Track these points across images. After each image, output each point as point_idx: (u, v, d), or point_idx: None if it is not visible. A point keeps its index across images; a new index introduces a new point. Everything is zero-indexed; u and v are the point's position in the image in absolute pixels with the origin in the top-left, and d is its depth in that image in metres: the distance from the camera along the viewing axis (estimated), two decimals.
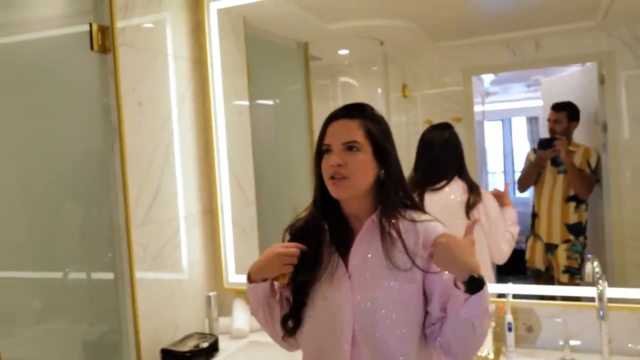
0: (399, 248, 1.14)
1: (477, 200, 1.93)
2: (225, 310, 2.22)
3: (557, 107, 2.08)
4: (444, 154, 2.00)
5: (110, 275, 1.87)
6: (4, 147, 1.61)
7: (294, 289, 1.21)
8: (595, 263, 1.62)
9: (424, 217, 1.19)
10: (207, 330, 2.07)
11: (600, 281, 1.56)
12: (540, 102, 2.25)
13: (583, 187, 2.01)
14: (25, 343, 1.67)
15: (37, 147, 1.71)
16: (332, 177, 1.15)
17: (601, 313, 1.54)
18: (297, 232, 1.24)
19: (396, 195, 1.19)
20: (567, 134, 2.05)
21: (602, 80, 2.06)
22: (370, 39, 2.46)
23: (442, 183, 1.96)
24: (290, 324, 1.21)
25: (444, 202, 1.95)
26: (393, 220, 1.16)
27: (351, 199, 1.18)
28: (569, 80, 2.20)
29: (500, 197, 2.00)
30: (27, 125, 1.68)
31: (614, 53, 1.99)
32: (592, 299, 1.63)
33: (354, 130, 1.15)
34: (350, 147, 1.14)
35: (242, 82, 2.35)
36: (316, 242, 1.20)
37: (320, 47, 2.61)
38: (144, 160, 1.94)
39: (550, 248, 2.06)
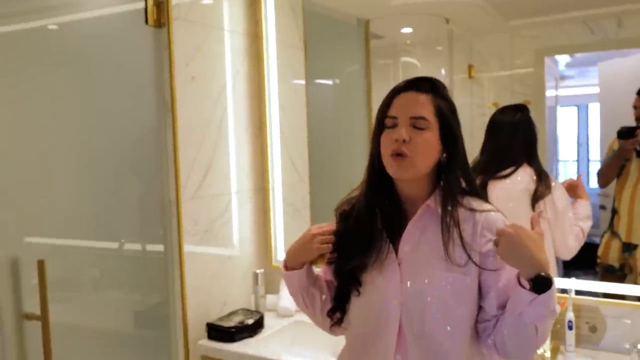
0: (456, 239, 1.06)
1: (546, 192, 1.78)
2: (273, 288, 2.22)
3: None
4: (513, 138, 1.84)
5: (160, 248, 1.91)
6: (65, 123, 1.66)
7: (341, 276, 1.14)
8: None
9: (484, 206, 1.09)
10: (253, 307, 2.08)
11: None
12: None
13: None
14: (80, 309, 1.74)
15: (95, 123, 1.76)
16: (394, 154, 1.06)
17: None
18: (347, 214, 1.17)
19: (458, 181, 1.10)
20: None
21: None
22: (436, 16, 2.34)
23: (510, 170, 1.82)
24: (338, 315, 1.15)
25: (510, 190, 1.82)
26: (452, 208, 1.07)
27: (409, 180, 1.10)
28: (633, 64, 1.99)
29: (574, 188, 1.83)
30: (85, 102, 1.73)
31: None
32: None
33: (424, 105, 1.06)
34: (417, 123, 1.05)
35: (299, 60, 2.31)
36: (368, 225, 1.12)
37: (382, 24, 2.52)
38: (196, 135, 1.95)
39: (629, 248, 1.88)
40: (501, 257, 0.98)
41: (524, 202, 1.80)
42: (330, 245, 1.13)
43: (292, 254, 1.18)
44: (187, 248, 1.90)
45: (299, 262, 1.16)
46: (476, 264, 1.04)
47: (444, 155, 1.09)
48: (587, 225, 1.81)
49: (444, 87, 1.10)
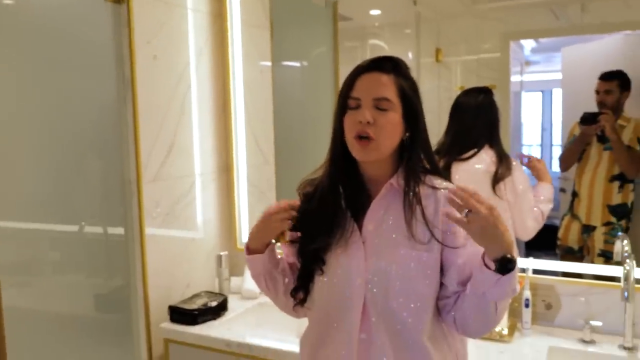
0: (418, 216, 1.06)
1: (506, 174, 1.80)
2: (237, 270, 2.20)
3: (608, 77, 1.89)
4: (476, 120, 1.84)
5: (121, 230, 1.87)
6: (21, 101, 1.60)
7: (305, 255, 1.13)
8: (625, 241, 1.51)
9: (445, 184, 1.10)
10: (217, 290, 2.06)
11: (627, 260, 1.45)
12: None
13: (631, 166, 1.84)
14: (40, 293, 1.69)
15: (52, 101, 1.69)
16: (359, 137, 1.05)
17: (626, 294, 1.43)
18: (310, 194, 1.16)
19: (420, 160, 1.10)
20: (619, 106, 1.88)
21: None
22: None
23: (472, 152, 1.83)
24: (301, 294, 1.14)
25: (472, 172, 1.83)
26: (415, 187, 1.07)
27: (373, 161, 1.09)
28: (595, 49, 2.03)
29: (537, 171, 1.86)
30: (41, 79, 1.66)
31: None
32: (619, 279, 1.53)
33: (387, 86, 1.05)
34: (380, 104, 1.05)
35: (265, 41, 2.27)
36: (331, 204, 1.11)
37: (350, 6, 2.49)
38: (158, 114, 1.91)
39: (588, 230, 1.92)
40: (472, 237, 0.97)
41: (486, 183, 1.82)
42: (290, 221, 1.11)
43: (253, 235, 1.16)
44: (148, 230, 1.87)
45: (262, 243, 1.15)
46: (439, 241, 1.05)
47: (407, 134, 1.08)
48: (547, 207, 1.84)
49: (406, 66, 1.10)
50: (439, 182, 1.10)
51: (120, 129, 1.82)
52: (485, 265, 0.97)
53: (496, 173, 1.79)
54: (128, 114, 1.80)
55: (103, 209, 1.89)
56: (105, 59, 1.80)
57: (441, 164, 1.83)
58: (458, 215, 0.96)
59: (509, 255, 0.94)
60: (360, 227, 1.09)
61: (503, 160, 1.81)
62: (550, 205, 1.87)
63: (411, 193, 1.07)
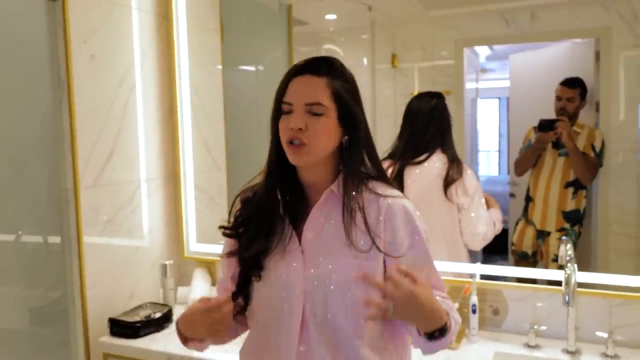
0: (359, 224, 1.02)
1: (457, 177, 1.81)
2: (185, 280, 2.13)
3: (570, 84, 1.90)
4: (428, 124, 1.85)
5: (58, 240, 1.78)
6: None
7: (243, 263, 1.09)
8: (569, 245, 1.51)
9: (389, 191, 1.06)
10: (162, 301, 1.99)
11: (569, 265, 1.46)
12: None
13: (586, 172, 1.87)
14: None
15: None
16: (291, 142, 1.01)
17: (567, 298, 1.43)
18: (247, 200, 1.11)
19: (361, 165, 1.06)
20: (576, 114, 1.90)
21: (597, 58, 1.93)
22: (359, 3, 2.32)
23: (424, 156, 1.84)
24: (241, 301, 1.09)
25: (424, 176, 1.84)
26: (355, 193, 1.03)
27: (310, 166, 1.05)
28: (543, 56, 2.07)
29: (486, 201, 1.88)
30: None
31: (611, 29, 1.86)
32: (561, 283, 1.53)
33: (320, 90, 1.00)
34: (313, 108, 1.00)
35: (215, 43, 2.22)
36: (268, 211, 1.06)
37: (305, 10, 2.46)
38: (97, 118, 1.82)
39: (542, 235, 1.94)
40: (398, 318, 0.97)
41: (437, 187, 1.82)
42: (222, 328, 1.01)
43: (184, 325, 1.07)
44: (87, 239, 1.78)
45: (195, 336, 1.06)
46: (379, 249, 1.02)
47: (346, 138, 1.04)
48: (498, 227, 1.87)
49: (342, 66, 1.05)
50: (382, 188, 1.06)
51: (56, 134, 1.73)
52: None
53: (447, 176, 1.80)
54: (64, 117, 1.71)
55: (40, 216, 1.80)
56: (39, 60, 1.71)
57: (395, 168, 1.83)
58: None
59: (436, 332, 0.96)
60: (299, 235, 1.05)
61: (455, 164, 1.82)
62: (501, 227, 1.89)
63: (350, 200, 1.03)
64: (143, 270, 2.03)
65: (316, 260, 1.03)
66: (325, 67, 1.03)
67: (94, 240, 1.81)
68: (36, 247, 1.82)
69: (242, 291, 1.09)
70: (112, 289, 1.90)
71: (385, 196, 1.05)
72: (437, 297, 1.00)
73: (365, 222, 1.02)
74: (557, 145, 1.91)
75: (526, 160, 1.99)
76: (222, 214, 2.25)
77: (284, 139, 1.03)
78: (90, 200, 1.79)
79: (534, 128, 1.96)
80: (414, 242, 1.04)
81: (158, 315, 1.83)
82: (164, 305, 1.92)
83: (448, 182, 1.80)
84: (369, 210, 1.04)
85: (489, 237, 1.86)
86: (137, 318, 1.80)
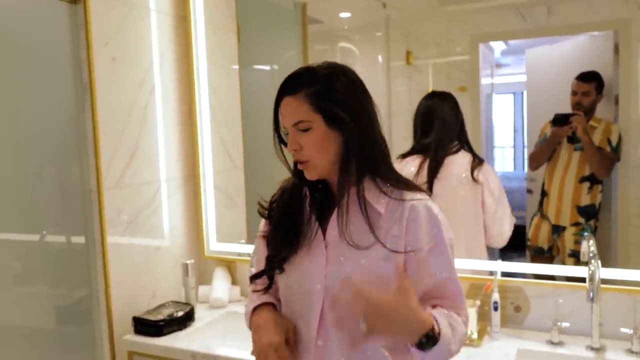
0: (376, 224, 1.03)
1: (481, 179, 1.82)
2: (206, 279, 2.15)
3: (586, 78, 1.88)
4: (454, 121, 1.87)
5: (82, 240, 1.81)
6: None
7: (272, 251, 1.11)
8: (591, 242, 1.50)
9: (411, 194, 1.06)
10: (184, 299, 2.01)
11: (592, 261, 1.45)
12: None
13: (601, 167, 1.85)
14: None
15: (8, 107, 1.62)
16: (297, 161, 1.06)
17: (592, 294, 1.43)
18: (276, 202, 1.15)
19: (361, 158, 1.04)
20: (593, 108, 1.89)
21: (616, 50, 1.91)
22: (373, 0, 2.31)
23: (454, 149, 1.86)
24: (266, 280, 1.13)
25: (450, 172, 1.84)
26: (362, 193, 1.04)
27: (323, 177, 1.07)
28: (560, 50, 2.05)
29: None
30: None
31: (631, 21, 1.84)
32: (585, 280, 1.52)
33: (297, 108, 1.02)
34: (299, 126, 1.02)
35: (232, 43, 2.23)
36: (296, 211, 1.10)
37: (319, 8, 2.47)
38: (120, 118, 1.85)
39: (557, 230, 1.93)
40: (373, 333, 0.92)
41: (463, 185, 1.83)
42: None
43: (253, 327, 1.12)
44: (111, 239, 1.81)
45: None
46: (384, 246, 1.02)
47: (343, 139, 1.03)
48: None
49: (314, 73, 1.03)
50: (405, 193, 1.06)
51: (79, 136, 1.76)
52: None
53: (472, 175, 1.82)
54: (87, 119, 1.74)
55: (64, 217, 1.83)
56: (62, 62, 1.74)
57: (425, 161, 1.84)
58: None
59: (424, 338, 0.94)
60: (324, 232, 1.07)
61: (477, 162, 1.85)
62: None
63: (345, 198, 1.03)
64: (164, 269, 2.06)
65: (338, 257, 1.05)
66: (296, 82, 1.03)
67: (117, 240, 1.84)
68: (60, 247, 1.84)
69: (266, 273, 1.13)
70: (135, 288, 1.92)
71: (409, 199, 1.05)
72: (435, 310, 1.01)
73: (369, 223, 1.03)
74: (572, 139, 1.90)
75: (541, 154, 1.98)
76: (240, 214, 2.27)
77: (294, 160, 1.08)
78: (113, 201, 1.81)
79: (550, 122, 1.95)
80: (435, 247, 1.04)
81: (180, 313, 1.85)
82: (186, 304, 1.94)
83: (474, 166, 1.81)
84: (393, 215, 1.04)
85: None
86: (160, 317, 1.82)
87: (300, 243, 1.08)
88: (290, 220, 1.10)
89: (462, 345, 1.04)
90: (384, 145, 1.07)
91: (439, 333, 0.95)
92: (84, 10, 1.69)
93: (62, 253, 1.85)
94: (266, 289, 1.14)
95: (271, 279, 1.14)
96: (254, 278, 1.16)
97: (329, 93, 1.02)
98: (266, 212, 1.16)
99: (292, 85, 1.03)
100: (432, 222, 1.04)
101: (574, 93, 1.89)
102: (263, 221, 1.18)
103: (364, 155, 1.04)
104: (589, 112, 1.87)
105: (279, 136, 1.09)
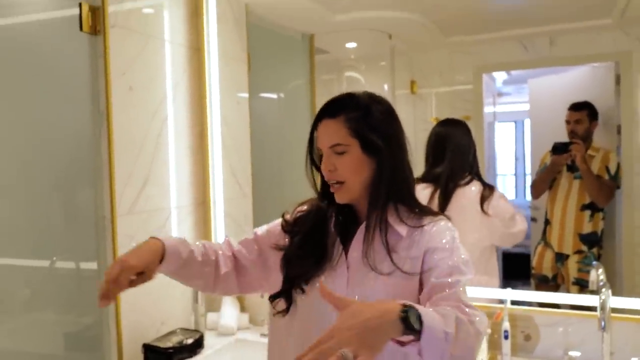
0: (396, 249, 1.06)
1: (490, 211, 1.85)
2: (214, 305, 2.15)
3: (577, 107, 1.97)
4: (468, 149, 1.93)
5: (94, 266, 1.82)
6: None
7: (295, 270, 1.11)
8: (600, 270, 1.53)
9: (429, 219, 1.10)
10: (193, 326, 2.01)
11: (603, 289, 1.47)
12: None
13: (601, 195, 1.89)
14: (7, 331, 1.62)
15: (23, 132, 1.66)
16: (330, 183, 1.09)
17: (603, 323, 1.44)
18: (300, 221, 1.17)
19: (391, 187, 1.08)
20: (589, 135, 1.94)
21: (617, 81, 1.96)
22: (379, 32, 2.38)
23: (466, 179, 1.89)
24: (283, 304, 1.12)
25: (461, 202, 1.88)
26: (381, 216, 1.07)
27: (354, 201, 1.11)
28: (562, 80, 2.11)
29: None
30: (13, 109, 1.63)
31: (632, 53, 1.90)
32: (595, 309, 1.54)
33: (336, 131, 1.07)
34: (336, 149, 1.07)
35: (242, 73, 2.28)
36: (322, 232, 1.13)
37: (326, 39, 2.53)
38: (134, 147, 1.88)
39: (561, 258, 1.95)
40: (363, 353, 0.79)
41: (474, 213, 1.86)
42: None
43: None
44: None
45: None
46: (402, 270, 1.04)
47: (376, 165, 1.08)
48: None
49: (353, 99, 1.09)
50: (425, 219, 1.10)
51: (95, 162, 1.79)
52: (400, 343, 0.85)
53: (482, 203, 1.85)
54: (103, 147, 1.77)
55: (75, 243, 1.84)
56: (80, 90, 1.78)
57: (437, 191, 1.88)
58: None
59: (400, 317, 0.81)
60: (346, 253, 1.10)
61: (488, 189, 1.88)
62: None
63: (372, 226, 1.06)
64: (173, 296, 2.06)
65: (359, 279, 1.07)
66: (338, 106, 1.09)
67: None
68: (70, 273, 1.85)
69: (286, 296, 1.12)
70: (145, 315, 1.92)
71: (428, 223, 1.09)
72: (431, 308, 0.91)
73: (388, 249, 1.05)
74: (572, 168, 1.94)
75: (542, 183, 2.02)
76: None
77: (326, 181, 1.11)
78: (126, 227, 1.83)
79: (550, 151, 2.00)
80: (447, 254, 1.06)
81: (190, 341, 1.85)
82: (196, 331, 1.94)
83: (484, 197, 1.85)
84: (412, 239, 1.07)
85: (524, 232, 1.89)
86: (169, 344, 1.82)
87: (325, 264, 1.10)
88: (315, 241, 1.12)
89: (477, 339, 0.92)
90: (411, 175, 1.13)
91: (415, 307, 0.83)
92: (104, 41, 1.74)
93: (71, 279, 1.85)
94: (286, 311, 1.12)
95: (290, 299, 1.12)
96: (273, 298, 1.15)
97: (368, 120, 1.07)
98: (289, 227, 1.17)
99: (334, 108, 1.08)
100: (450, 239, 1.07)
101: (568, 122, 1.97)
102: (278, 228, 1.19)
103: (394, 183, 1.08)
104: (585, 139, 1.92)
105: (312, 157, 1.12)
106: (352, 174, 1.07)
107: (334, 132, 1.07)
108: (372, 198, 1.08)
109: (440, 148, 1.91)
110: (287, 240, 1.17)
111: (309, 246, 1.12)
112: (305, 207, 1.19)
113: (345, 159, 1.07)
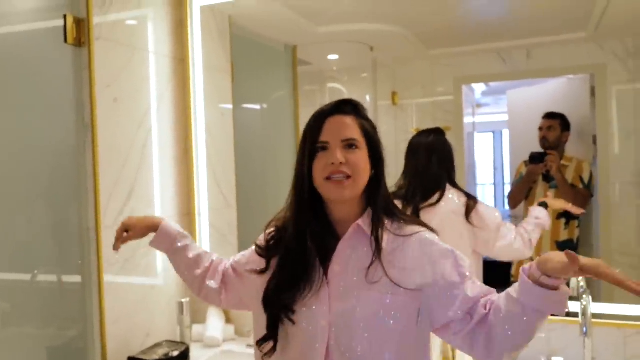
0: (389, 259, 1.06)
1: (477, 223, 1.76)
2: (200, 317, 2.14)
3: (551, 115, 2.04)
4: (429, 160, 1.80)
5: (77, 279, 1.80)
6: None
7: (272, 301, 1.09)
8: (580, 277, 1.56)
9: (410, 229, 1.10)
10: (178, 339, 1.99)
11: (584, 296, 1.50)
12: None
13: (576, 203, 1.94)
14: None
15: (6, 143, 1.64)
16: (330, 177, 1.06)
17: (584, 329, 1.48)
18: (279, 231, 1.14)
19: (385, 199, 1.11)
20: (560, 144, 2.00)
21: (593, 93, 2.03)
22: (361, 44, 2.42)
23: (436, 196, 1.78)
24: (271, 343, 1.09)
25: (442, 216, 1.76)
26: (381, 229, 1.08)
27: (348, 199, 1.09)
28: (539, 92, 2.17)
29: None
30: None
31: (606, 66, 1.96)
32: (577, 315, 1.57)
33: (352, 127, 1.08)
34: (350, 144, 1.07)
35: (226, 84, 2.29)
36: (302, 251, 1.09)
37: (309, 51, 2.56)
38: (118, 158, 1.87)
39: None
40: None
41: (458, 221, 1.77)
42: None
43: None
44: (107, 278, 1.80)
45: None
46: (393, 281, 1.04)
47: (372, 172, 1.10)
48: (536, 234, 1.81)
49: (363, 108, 1.14)
50: (407, 228, 1.10)
51: (79, 174, 1.78)
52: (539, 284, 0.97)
53: (467, 205, 1.76)
54: (87, 159, 1.76)
55: (58, 256, 1.81)
56: (65, 102, 1.77)
57: (408, 211, 1.77)
58: None
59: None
60: (326, 269, 1.08)
61: (471, 201, 1.77)
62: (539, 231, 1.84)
63: (376, 231, 1.07)
64: (158, 308, 2.04)
65: (342, 293, 1.06)
66: (351, 107, 1.11)
67: (113, 279, 1.83)
68: (52, 286, 1.83)
69: (273, 335, 1.09)
70: (130, 327, 1.90)
71: (410, 234, 1.09)
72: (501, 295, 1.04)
73: (379, 257, 1.05)
74: (547, 178, 2.00)
75: (518, 193, 2.07)
76: (233, 252, 2.28)
77: (322, 176, 1.07)
78: (110, 239, 1.79)
79: (525, 162, 2.05)
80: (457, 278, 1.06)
81: (176, 353, 1.83)
82: (181, 343, 1.92)
83: (469, 210, 1.75)
84: (395, 248, 1.07)
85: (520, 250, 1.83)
86: (155, 356, 1.81)
87: (306, 286, 1.07)
88: (296, 262, 1.09)
89: None
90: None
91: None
92: (89, 53, 1.73)
93: (54, 292, 1.83)
94: (274, 349, 1.09)
95: (277, 336, 1.09)
96: (259, 342, 1.11)
97: (373, 130, 1.12)
98: (264, 252, 1.15)
99: (347, 108, 1.11)
100: (442, 254, 1.07)
101: (540, 129, 2.03)
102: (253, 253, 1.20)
103: (380, 193, 1.11)
104: (556, 147, 1.98)
105: (310, 154, 1.09)
106: (362, 171, 1.08)
107: (349, 127, 1.08)
108: (367, 205, 1.10)
109: (406, 159, 1.85)
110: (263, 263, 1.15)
111: (291, 269, 1.09)
112: (272, 230, 1.17)
113: (358, 154, 1.08)
